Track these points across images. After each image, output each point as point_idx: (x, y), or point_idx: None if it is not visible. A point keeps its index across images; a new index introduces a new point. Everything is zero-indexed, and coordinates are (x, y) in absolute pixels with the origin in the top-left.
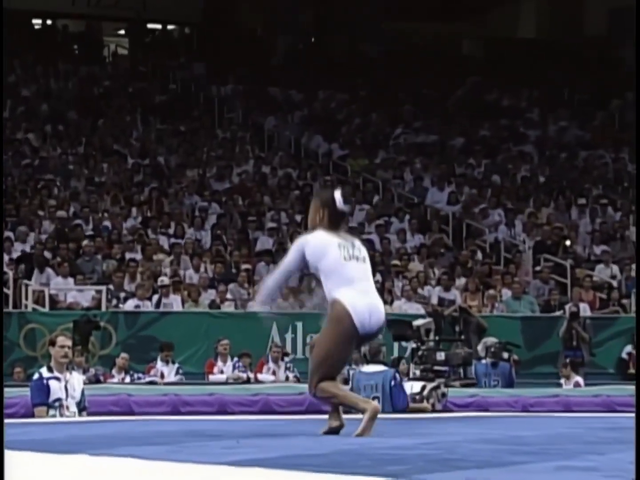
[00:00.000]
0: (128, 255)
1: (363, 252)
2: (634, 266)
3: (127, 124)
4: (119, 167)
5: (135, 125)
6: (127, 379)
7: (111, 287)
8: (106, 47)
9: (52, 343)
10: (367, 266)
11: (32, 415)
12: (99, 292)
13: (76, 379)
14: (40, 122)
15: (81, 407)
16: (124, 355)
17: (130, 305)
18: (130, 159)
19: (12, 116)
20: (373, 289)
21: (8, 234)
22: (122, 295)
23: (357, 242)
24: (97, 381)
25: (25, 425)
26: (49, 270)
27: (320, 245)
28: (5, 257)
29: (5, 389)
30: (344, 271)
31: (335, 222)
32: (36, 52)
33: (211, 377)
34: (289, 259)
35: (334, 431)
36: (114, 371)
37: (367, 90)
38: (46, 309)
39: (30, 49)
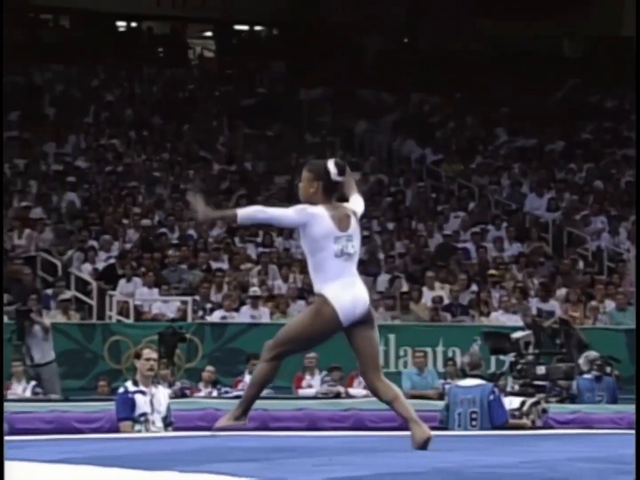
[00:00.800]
0: (214, 265)
1: (355, 243)
2: None
3: (213, 129)
4: (205, 174)
5: (221, 130)
6: (214, 393)
7: (197, 297)
8: (192, 49)
9: (138, 356)
10: (356, 258)
11: (117, 430)
12: (184, 302)
13: (162, 393)
14: (125, 128)
15: (167, 422)
16: (210, 368)
17: (216, 316)
18: (216, 165)
19: (96, 122)
20: (357, 280)
21: (92, 242)
22: (209, 306)
23: (352, 224)
24: (183, 395)
25: (111, 441)
26: (134, 280)
27: (323, 233)
28: (89, 267)
29: (90, 403)
30: (333, 268)
31: (329, 194)
32: (120, 56)
33: (300, 392)
34: (290, 215)
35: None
36: (200, 385)
37: (462, 92)
38: (131, 321)
39: (114, 52)
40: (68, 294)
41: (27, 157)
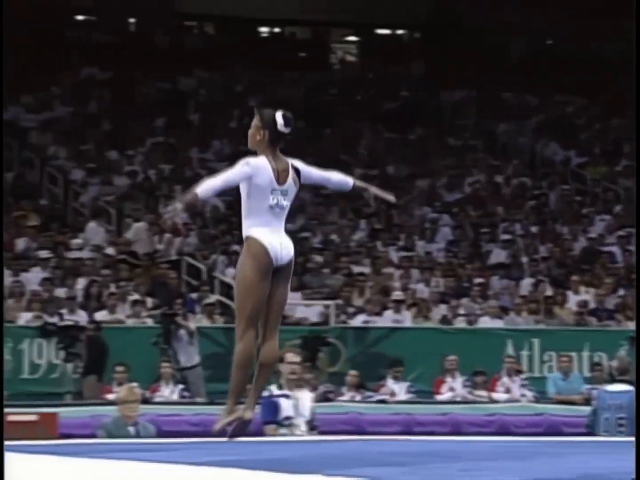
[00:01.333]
0: (356, 269)
1: (289, 197)
2: None
3: (355, 133)
4: None
5: (363, 134)
6: (358, 397)
7: (339, 302)
8: (334, 54)
9: (281, 360)
10: (286, 212)
11: (262, 433)
12: (327, 307)
13: (305, 397)
14: None
15: (311, 426)
16: (353, 372)
17: (359, 320)
18: (358, 170)
19: (239, 126)
20: (283, 232)
21: (236, 247)
22: (351, 310)
23: (290, 179)
24: (327, 399)
25: (257, 444)
26: None
27: (263, 185)
28: (233, 271)
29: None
30: (265, 216)
31: (274, 143)
32: (263, 61)
33: (439, 397)
34: (236, 173)
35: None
36: (343, 389)
37: (607, 93)
38: None
39: (257, 58)
40: (212, 298)
41: (172, 162)
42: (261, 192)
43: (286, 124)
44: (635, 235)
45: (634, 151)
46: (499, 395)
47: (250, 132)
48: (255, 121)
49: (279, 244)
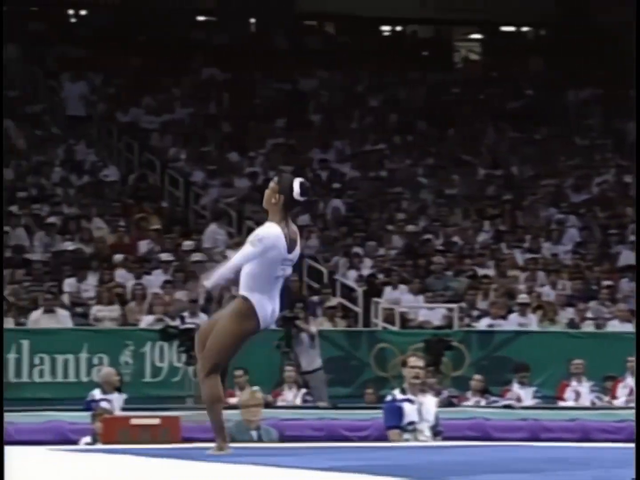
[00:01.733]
0: (480, 272)
1: (294, 261)
2: None
3: (478, 133)
4: (469, 179)
5: (486, 134)
6: (483, 402)
7: (463, 305)
8: (457, 52)
9: (404, 363)
10: (284, 278)
11: (386, 439)
12: (450, 310)
13: (429, 402)
14: (389, 133)
15: (436, 431)
16: (478, 376)
17: (483, 324)
18: (481, 170)
19: (360, 127)
20: (277, 297)
21: (357, 249)
22: (475, 313)
23: (297, 249)
24: (451, 404)
25: (380, 449)
26: (400, 287)
27: (276, 258)
28: (354, 274)
29: (358, 411)
30: (266, 284)
31: (287, 209)
32: (384, 61)
33: (562, 403)
34: (247, 256)
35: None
36: (468, 393)
37: None
38: (397, 328)
39: (378, 57)
40: (334, 301)
41: (293, 163)
42: (272, 265)
43: (302, 193)
44: (635, 234)
45: (635, 151)
46: (619, 400)
47: (266, 192)
48: (273, 184)
49: (272, 312)
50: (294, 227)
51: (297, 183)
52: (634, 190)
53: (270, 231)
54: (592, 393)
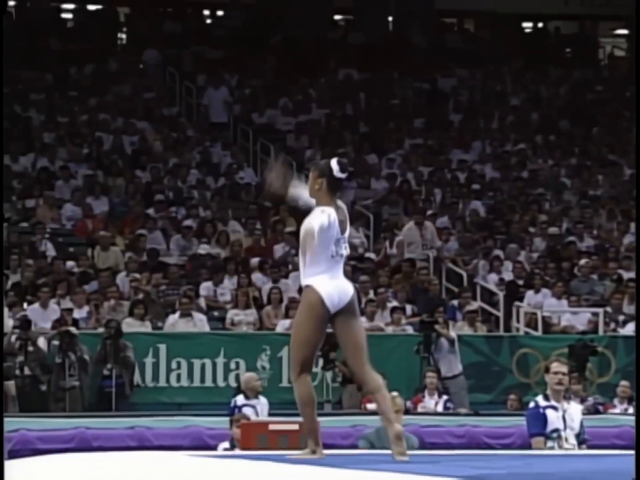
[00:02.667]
0: (626, 275)
1: (347, 240)
2: None
3: (624, 131)
4: (615, 179)
5: (632, 132)
6: (630, 410)
7: (609, 309)
8: (602, 48)
9: (547, 369)
10: (344, 258)
11: (529, 447)
12: (595, 314)
13: (574, 409)
14: (531, 133)
15: (581, 439)
16: (624, 383)
17: (629, 329)
18: (627, 170)
19: (501, 126)
20: (341, 276)
21: (497, 252)
22: (621, 318)
23: (348, 227)
24: (597, 411)
25: (524, 457)
26: (542, 291)
27: (331, 236)
28: (495, 277)
29: (500, 418)
30: (325, 265)
31: (333, 190)
32: (526, 58)
33: None
34: (324, 219)
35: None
36: (615, 400)
37: None
38: (539, 333)
39: (520, 55)
40: (474, 305)
41: (432, 164)
42: (328, 243)
43: (342, 170)
44: (635, 234)
45: (635, 151)
46: None
47: (309, 183)
48: (311, 174)
49: (336, 290)
50: (344, 208)
51: (334, 162)
52: None
53: (326, 209)
54: None
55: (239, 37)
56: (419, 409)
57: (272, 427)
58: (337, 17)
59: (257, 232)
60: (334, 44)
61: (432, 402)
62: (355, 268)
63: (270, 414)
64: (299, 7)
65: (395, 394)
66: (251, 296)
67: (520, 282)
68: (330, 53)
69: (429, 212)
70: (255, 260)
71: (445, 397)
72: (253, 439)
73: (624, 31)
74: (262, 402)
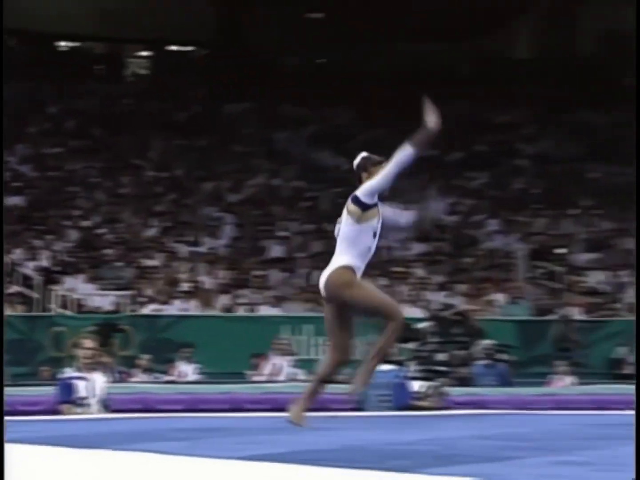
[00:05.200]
0: (148, 263)
1: (342, 219)
2: (623, 272)
3: (147, 139)
4: (138, 179)
5: (154, 140)
6: (148, 378)
7: (132, 292)
8: (127, 67)
9: (77, 345)
10: (339, 239)
11: (59, 413)
12: (121, 296)
13: (99, 379)
14: (67, 138)
15: (104, 405)
16: (144, 356)
17: (149, 309)
18: (149, 172)
19: (41, 132)
20: (333, 258)
21: (36, 242)
22: (143, 300)
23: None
24: (120, 380)
25: (54, 422)
26: (76, 276)
27: (370, 226)
28: (34, 264)
29: (33, 388)
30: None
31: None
32: (64, 73)
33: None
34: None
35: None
36: (135, 371)
37: (373, 107)
38: (72, 313)
39: (57, 69)
40: (13, 289)
41: None
42: (369, 234)
43: (357, 167)
44: (635, 234)
45: (635, 151)
46: (267, 374)
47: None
48: (364, 178)
49: (322, 276)
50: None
51: (358, 159)
52: (282, 192)
53: None
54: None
55: None
56: None
57: None
58: None
59: None
60: None
61: None
62: None
63: None
64: None
65: None
66: None
67: (57, 269)
68: None
69: None
70: None
71: None
72: None
73: (147, 53)
74: None
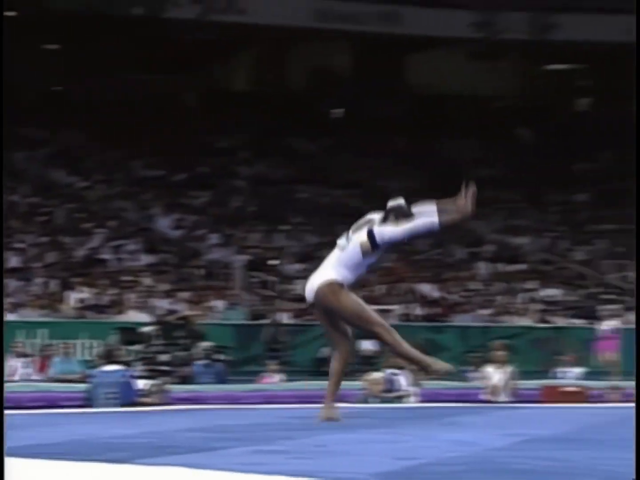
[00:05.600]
0: None
1: (351, 237)
2: None
3: None
4: None
5: None
6: None
7: None
8: None
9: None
10: (338, 252)
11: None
12: None
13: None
14: None
15: None
16: None
17: None
18: None
19: None
20: (321, 267)
21: None
22: None
23: (360, 230)
24: None
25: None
26: None
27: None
28: None
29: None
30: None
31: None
32: None
33: None
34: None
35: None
36: None
37: (104, 129)
38: None
39: None
40: None
41: None
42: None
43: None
44: (635, 236)
45: (634, 152)
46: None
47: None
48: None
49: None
50: (365, 219)
51: (396, 203)
52: (20, 207)
53: None
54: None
55: None
56: None
57: None
58: None
59: None
60: None
61: None
62: None
63: None
64: None
65: None
66: None
67: None
68: None
69: None
70: None
71: None
72: None
73: None
74: None
